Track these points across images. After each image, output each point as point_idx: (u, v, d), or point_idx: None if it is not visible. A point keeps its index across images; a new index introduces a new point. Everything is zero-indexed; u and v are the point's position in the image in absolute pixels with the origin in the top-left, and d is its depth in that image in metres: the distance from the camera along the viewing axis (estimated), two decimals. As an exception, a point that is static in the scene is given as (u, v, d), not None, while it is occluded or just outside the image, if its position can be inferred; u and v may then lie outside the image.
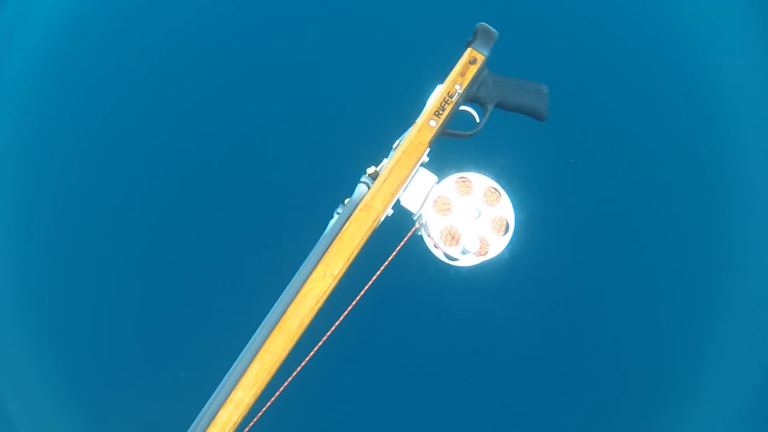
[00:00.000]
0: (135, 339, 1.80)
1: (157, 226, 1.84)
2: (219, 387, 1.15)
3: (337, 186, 1.35)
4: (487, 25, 1.41)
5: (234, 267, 1.78)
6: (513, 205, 1.32)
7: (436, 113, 1.36)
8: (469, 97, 1.43)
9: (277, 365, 1.16)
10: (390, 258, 1.27)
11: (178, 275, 1.83)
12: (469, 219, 1.29)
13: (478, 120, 1.43)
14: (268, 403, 1.17)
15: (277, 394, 1.17)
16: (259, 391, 1.15)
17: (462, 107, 1.42)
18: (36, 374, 1.79)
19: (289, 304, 1.20)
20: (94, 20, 2.05)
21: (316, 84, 1.89)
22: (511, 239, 1.30)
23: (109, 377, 1.79)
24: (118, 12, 2.06)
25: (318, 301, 1.21)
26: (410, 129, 1.36)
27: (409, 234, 1.31)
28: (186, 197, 1.85)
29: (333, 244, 1.24)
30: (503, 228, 1.30)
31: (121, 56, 2.00)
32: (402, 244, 1.28)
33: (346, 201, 1.29)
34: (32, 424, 1.74)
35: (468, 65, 1.42)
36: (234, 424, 1.13)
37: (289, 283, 1.22)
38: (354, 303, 1.25)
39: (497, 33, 1.42)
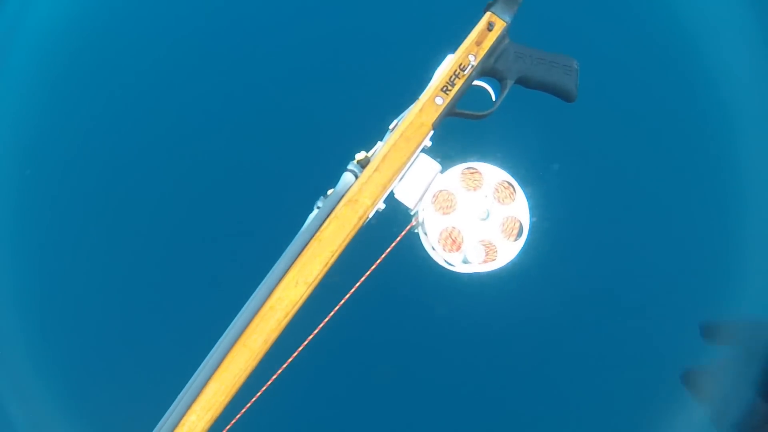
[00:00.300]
0: (134, 338, 1.67)
1: (157, 220, 1.70)
2: (171, 408, 0.98)
3: (320, 173, 1.14)
4: None
5: (194, 269, 1.61)
6: (528, 204, 1.10)
7: (444, 89, 1.13)
8: (485, 71, 1.19)
9: (236, 387, 0.99)
10: (378, 261, 1.07)
11: (167, 274, 1.69)
12: (474, 220, 1.07)
13: (494, 98, 1.20)
14: (226, 428, 1.00)
15: (235, 419, 1.00)
16: (215, 416, 0.98)
17: (476, 82, 1.18)
18: (35, 374, 1.69)
19: (253, 316, 1.01)
20: (94, 20, 1.94)
21: (298, 47, 1.64)
22: (524, 245, 1.09)
23: (108, 377, 1.68)
24: (119, 12, 1.93)
25: (287, 314, 1.01)
26: (411, 107, 1.13)
27: (403, 233, 1.10)
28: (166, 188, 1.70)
29: (309, 245, 1.03)
30: (515, 231, 1.09)
31: (120, 56, 1.87)
32: (393, 245, 1.08)
33: (329, 192, 1.08)
34: (32, 424, 1.64)
35: (485, 32, 1.17)
36: (184, 453, 0.97)
37: (255, 289, 1.03)
38: (332, 313, 1.06)
39: None
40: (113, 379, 1.69)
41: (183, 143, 1.68)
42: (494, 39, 1.17)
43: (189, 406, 0.96)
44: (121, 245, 1.68)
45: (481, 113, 1.18)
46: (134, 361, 1.69)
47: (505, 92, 1.19)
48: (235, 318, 1.01)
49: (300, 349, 1.04)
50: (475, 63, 1.15)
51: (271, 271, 1.03)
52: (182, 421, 0.97)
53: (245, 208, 1.57)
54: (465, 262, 1.04)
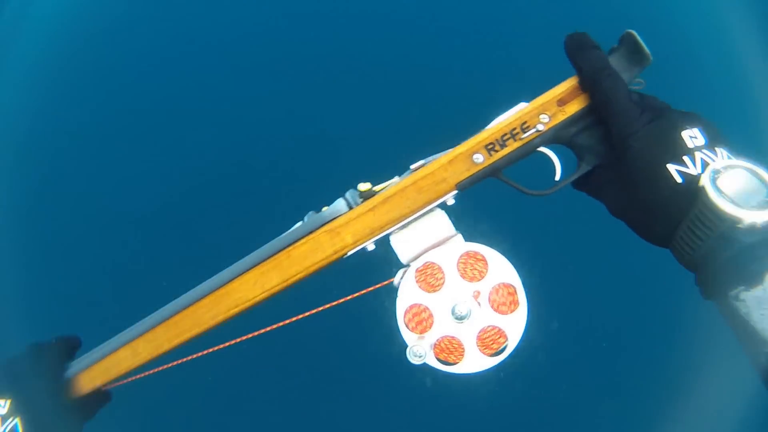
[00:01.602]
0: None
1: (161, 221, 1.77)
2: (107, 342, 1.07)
3: (332, 185, 1.04)
4: (638, 36, 0.83)
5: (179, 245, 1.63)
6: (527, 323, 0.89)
7: (490, 146, 0.91)
8: (559, 139, 0.92)
9: (174, 344, 1.05)
10: (330, 305, 0.99)
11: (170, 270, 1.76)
12: (448, 314, 0.91)
13: (558, 174, 0.94)
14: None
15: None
16: (147, 359, 1.06)
17: (541, 148, 0.93)
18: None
19: (210, 292, 1.03)
20: (95, 20, 1.94)
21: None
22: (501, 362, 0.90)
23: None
24: (120, 12, 1.92)
25: (238, 306, 1.01)
26: (443, 153, 0.94)
27: (373, 288, 0.98)
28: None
29: (279, 254, 0.99)
30: (495, 347, 0.90)
31: (121, 56, 1.89)
32: (353, 296, 0.98)
33: (324, 209, 1.00)
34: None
35: (576, 92, 0.89)
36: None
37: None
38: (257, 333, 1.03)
39: (651, 56, 0.83)
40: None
41: (194, 138, 1.67)
42: (584, 106, 0.88)
43: (129, 341, 1.06)
44: (123, 240, 1.75)
45: (531, 191, 0.93)
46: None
47: (576, 175, 0.92)
48: (198, 286, 1.05)
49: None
50: (544, 128, 0.90)
51: (241, 260, 1.03)
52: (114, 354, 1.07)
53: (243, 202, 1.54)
54: (406, 346, 0.91)
